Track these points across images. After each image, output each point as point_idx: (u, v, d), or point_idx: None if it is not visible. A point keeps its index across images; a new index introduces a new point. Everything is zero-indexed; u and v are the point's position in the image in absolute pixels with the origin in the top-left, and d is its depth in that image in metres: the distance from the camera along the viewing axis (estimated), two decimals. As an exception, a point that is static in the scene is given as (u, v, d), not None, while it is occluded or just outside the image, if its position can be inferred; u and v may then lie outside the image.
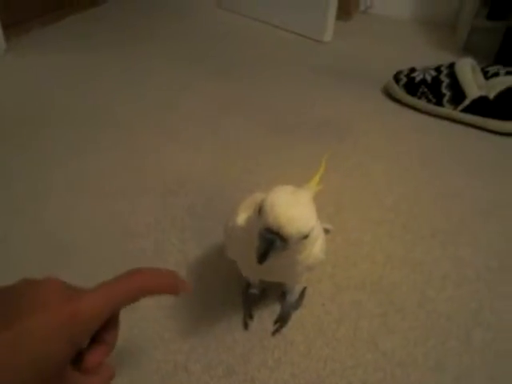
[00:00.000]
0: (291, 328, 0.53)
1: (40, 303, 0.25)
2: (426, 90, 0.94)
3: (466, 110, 0.92)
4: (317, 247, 0.45)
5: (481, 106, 0.90)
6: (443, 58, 1.05)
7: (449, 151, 0.86)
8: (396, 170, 0.80)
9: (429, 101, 0.94)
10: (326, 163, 0.42)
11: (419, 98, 0.95)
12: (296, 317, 0.54)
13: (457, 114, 0.92)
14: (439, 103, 0.93)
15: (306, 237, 0.38)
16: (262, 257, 0.37)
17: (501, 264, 0.62)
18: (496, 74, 0.93)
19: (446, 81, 0.93)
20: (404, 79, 0.98)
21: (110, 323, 0.30)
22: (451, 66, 0.94)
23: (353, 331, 0.53)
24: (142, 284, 0.29)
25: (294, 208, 0.37)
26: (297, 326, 0.53)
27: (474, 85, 0.90)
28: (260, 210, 0.38)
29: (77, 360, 0.28)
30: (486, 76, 0.93)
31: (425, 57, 1.15)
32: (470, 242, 0.66)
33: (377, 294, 0.57)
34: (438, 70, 0.95)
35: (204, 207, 0.69)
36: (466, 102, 0.91)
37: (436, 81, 0.94)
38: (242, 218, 0.44)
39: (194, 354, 0.50)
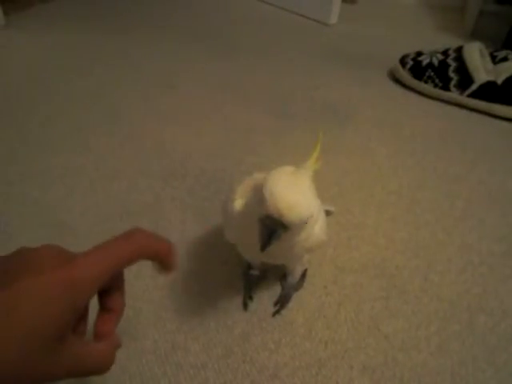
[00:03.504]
0: (292, 309, 0.52)
1: (37, 266, 0.24)
2: (432, 73, 0.92)
3: (473, 95, 0.90)
4: (317, 228, 0.44)
5: (488, 91, 0.88)
6: (451, 42, 1.03)
7: (454, 136, 0.84)
8: (400, 154, 0.78)
9: (435, 85, 0.92)
10: (321, 141, 0.40)
11: (425, 82, 0.93)
12: (297, 298, 0.53)
13: (463, 98, 0.91)
14: (446, 88, 0.91)
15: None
16: (265, 245, 0.36)
17: (505, 249, 0.61)
18: (504, 59, 0.91)
19: (453, 65, 0.91)
20: (410, 63, 0.96)
21: (114, 290, 0.30)
22: (459, 49, 0.92)
23: (354, 314, 0.52)
24: (140, 244, 0.29)
25: (295, 194, 0.35)
26: (297, 308, 0.53)
27: (482, 69, 0.89)
28: (259, 195, 0.36)
29: (78, 326, 0.27)
30: (495, 61, 0.91)
31: (432, 41, 1.13)
32: (473, 226, 0.65)
33: (379, 278, 0.57)
34: (445, 53, 0.93)
35: (204, 188, 0.68)
36: (474, 87, 0.89)
37: (443, 65, 0.92)
38: (239, 202, 0.43)
39: (192, 334, 0.49)
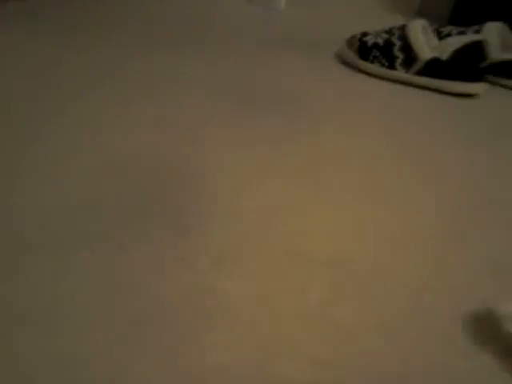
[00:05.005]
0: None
1: None
2: (378, 53, 0.92)
3: (420, 73, 0.90)
4: None
5: (434, 68, 0.88)
6: (398, 22, 1.02)
7: (407, 115, 0.83)
8: (360, 139, 0.77)
9: (382, 65, 0.92)
10: None
11: (372, 62, 0.92)
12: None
13: (410, 77, 0.90)
14: (392, 67, 0.91)
15: None
16: None
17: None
18: (449, 35, 0.91)
19: (397, 43, 0.90)
20: (356, 44, 0.95)
21: None
22: (402, 27, 0.92)
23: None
24: None
25: None
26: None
27: (426, 46, 0.88)
28: None
29: None
30: (440, 36, 0.91)
31: (379, 21, 1.12)
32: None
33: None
34: (389, 32, 0.93)
35: (153, 186, 0.65)
36: (419, 65, 0.89)
37: (388, 44, 0.91)
38: None
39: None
